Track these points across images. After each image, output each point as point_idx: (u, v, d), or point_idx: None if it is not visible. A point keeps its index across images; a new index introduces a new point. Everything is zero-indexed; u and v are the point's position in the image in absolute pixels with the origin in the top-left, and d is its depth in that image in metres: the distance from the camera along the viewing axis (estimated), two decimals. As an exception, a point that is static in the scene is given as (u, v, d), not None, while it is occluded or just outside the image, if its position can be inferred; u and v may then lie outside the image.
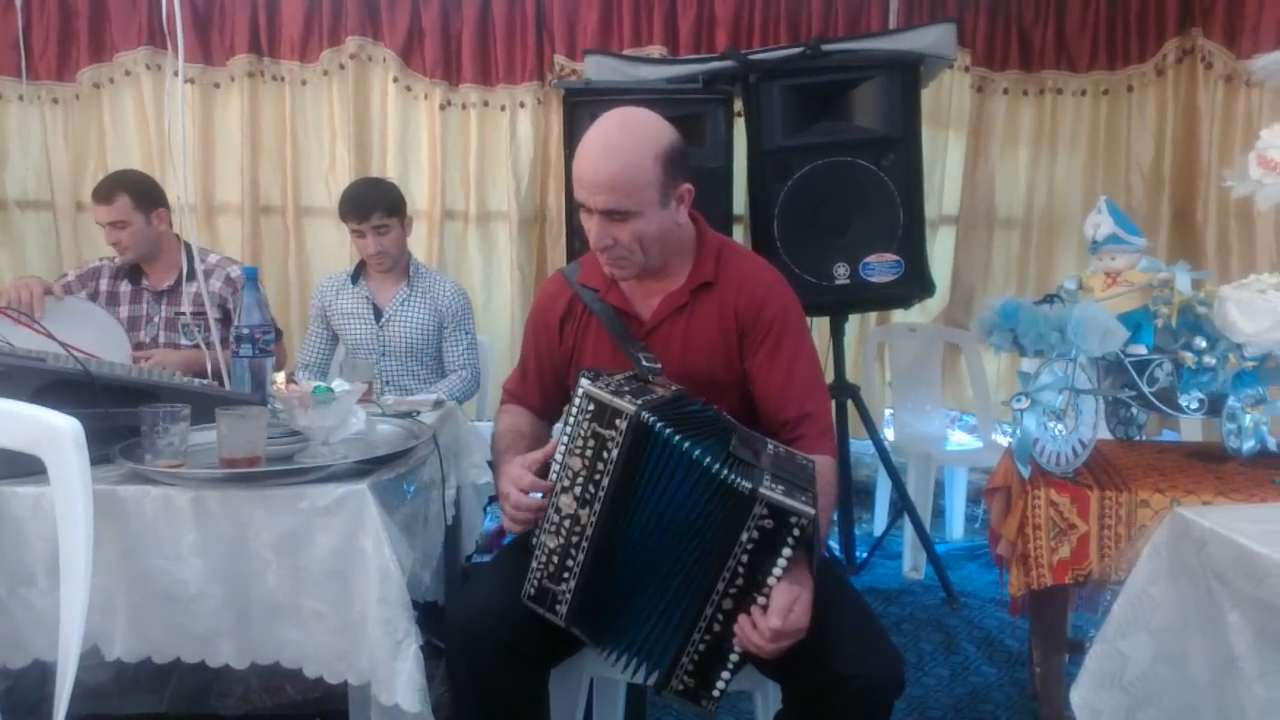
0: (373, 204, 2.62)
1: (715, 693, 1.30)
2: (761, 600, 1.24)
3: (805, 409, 1.51)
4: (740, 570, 1.25)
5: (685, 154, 1.49)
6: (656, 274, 1.56)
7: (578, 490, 1.31)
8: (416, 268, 2.79)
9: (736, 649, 1.27)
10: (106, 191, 2.55)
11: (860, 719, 1.28)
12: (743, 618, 1.25)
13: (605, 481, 1.29)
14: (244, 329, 1.79)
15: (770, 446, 1.38)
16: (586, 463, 1.30)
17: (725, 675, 1.29)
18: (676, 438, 1.26)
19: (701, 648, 1.29)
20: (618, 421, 1.27)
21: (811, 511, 1.21)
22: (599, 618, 1.35)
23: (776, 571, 1.23)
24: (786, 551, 1.23)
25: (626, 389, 1.33)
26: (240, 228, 3.53)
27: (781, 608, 1.22)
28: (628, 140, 1.42)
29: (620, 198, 1.42)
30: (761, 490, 1.21)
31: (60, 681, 1.29)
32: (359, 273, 2.79)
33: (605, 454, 1.29)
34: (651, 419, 1.26)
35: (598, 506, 1.30)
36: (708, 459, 1.24)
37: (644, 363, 1.50)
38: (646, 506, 1.29)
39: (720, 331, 1.54)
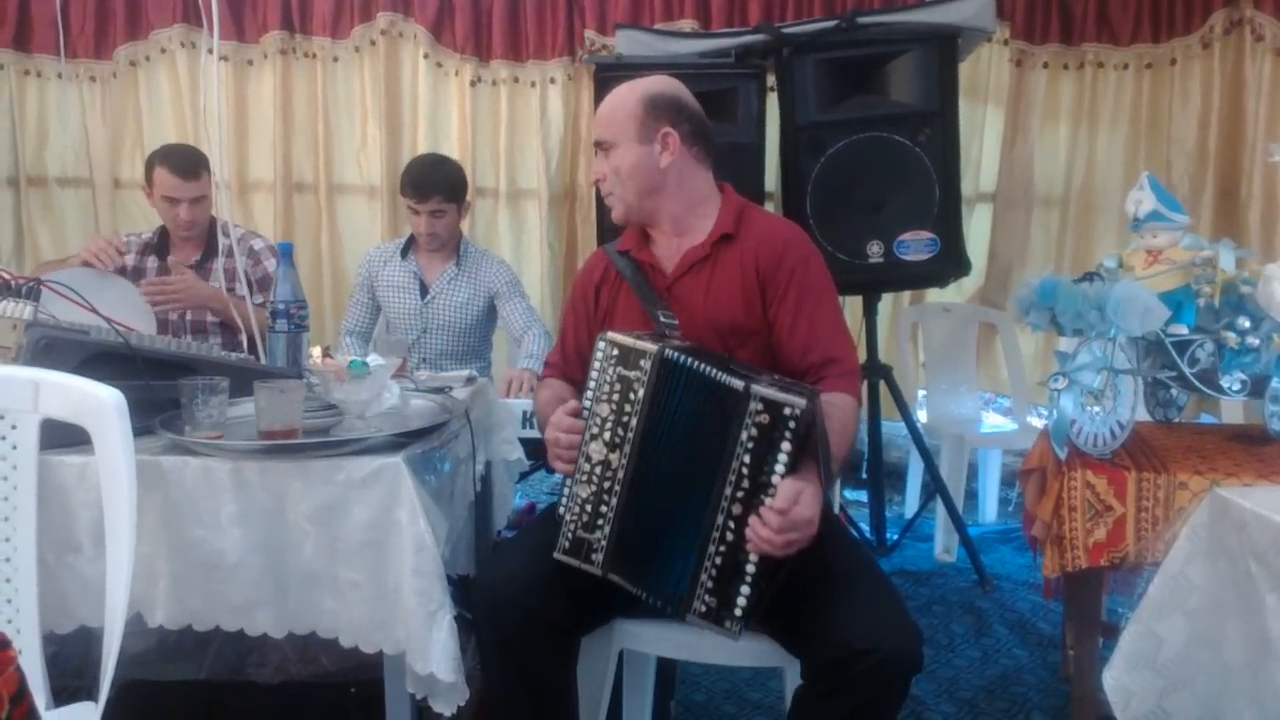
0: (433, 187, 2.63)
1: (738, 611, 1.29)
2: (769, 501, 1.26)
3: (829, 354, 1.53)
4: (744, 471, 1.27)
5: (682, 109, 1.60)
6: (681, 230, 1.63)
7: (607, 435, 1.34)
8: (466, 247, 2.78)
9: (753, 558, 1.28)
10: (192, 166, 2.47)
11: (877, 693, 1.28)
12: (752, 518, 1.26)
13: (634, 422, 1.33)
14: (279, 304, 1.81)
15: (775, 375, 1.40)
16: (614, 407, 1.34)
17: (745, 590, 1.29)
18: (697, 364, 1.30)
19: (718, 560, 1.29)
20: (642, 361, 1.33)
21: (803, 402, 1.23)
22: (635, 561, 1.36)
23: (779, 469, 1.25)
24: (786, 446, 1.25)
25: (646, 337, 1.38)
26: (273, 205, 3.57)
27: (787, 496, 1.24)
28: (623, 88, 1.63)
29: (603, 128, 1.62)
30: (754, 386, 1.25)
31: (107, 647, 1.32)
32: (409, 247, 2.79)
33: (632, 395, 1.33)
34: (675, 354, 1.31)
35: (628, 449, 1.33)
36: (706, 368, 1.30)
37: (662, 319, 1.55)
38: (671, 439, 1.32)
39: (741, 282, 1.58)
